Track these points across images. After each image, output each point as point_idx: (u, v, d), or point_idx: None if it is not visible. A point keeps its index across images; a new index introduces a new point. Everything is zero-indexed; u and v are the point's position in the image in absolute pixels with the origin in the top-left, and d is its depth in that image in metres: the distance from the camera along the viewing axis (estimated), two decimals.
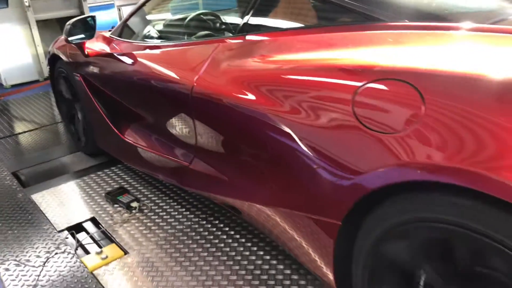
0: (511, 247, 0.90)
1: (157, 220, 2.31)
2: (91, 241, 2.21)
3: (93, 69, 2.61)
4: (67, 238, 2.24)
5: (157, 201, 2.50)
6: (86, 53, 2.60)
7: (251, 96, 1.49)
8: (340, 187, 1.22)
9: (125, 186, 2.68)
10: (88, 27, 2.55)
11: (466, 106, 0.96)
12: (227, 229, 2.19)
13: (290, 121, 1.35)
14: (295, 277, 1.83)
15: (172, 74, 1.92)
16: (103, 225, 2.31)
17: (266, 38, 1.64)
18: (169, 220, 2.31)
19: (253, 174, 1.60)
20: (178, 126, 1.97)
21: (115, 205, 2.48)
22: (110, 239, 2.21)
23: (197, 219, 2.29)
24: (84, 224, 2.36)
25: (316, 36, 1.48)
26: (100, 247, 2.14)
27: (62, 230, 2.30)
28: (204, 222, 2.26)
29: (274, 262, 1.93)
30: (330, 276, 1.40)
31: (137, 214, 2.38)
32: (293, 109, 1.34)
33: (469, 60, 1.06)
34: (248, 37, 1.72)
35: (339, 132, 1.21)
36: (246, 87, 1.52)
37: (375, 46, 1.27)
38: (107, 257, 2.04)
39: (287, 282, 1.81)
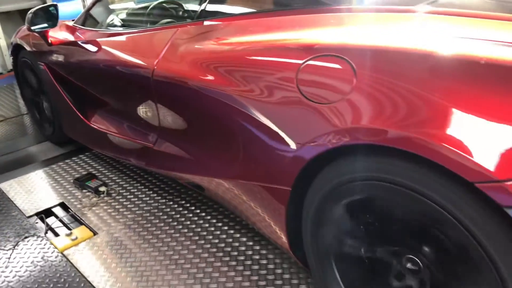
0: (439, 202, 1.02)
1: (125, 203, 2.40)
2: (61, 224, 2.28)
3: (57, 58, 2.65)
4: (36, 222, 2.30)
5: (124, 185, 2.58)
6: (49, 41, 2.64)
7: (207, 77, 1.59)
8: (288, 156, 1.34)
9: (93, 172, 2.74)
10: (50, 15, 2.58)
11: (392, 78, 1.09)
12: (193, 208, 2.30)
13: (243, 98, 1.46)
14: (257, 247, 1.96)
15: (134, 59, 2.00)
16: (72, 209, 2.37)
17: (221, 22, 1.74)
18: (136, 202, 2.39)
19: (211, 150, 1.71)
20: (141, 109, 2.05)
21: (84, 190, 2.55)
22: (79, 221, 2.28)
23: (163, 200, 2.38)
24: (54, 209, 2.41)
25: (267, 20, 1.59)
26: (69, 229, 2.21)
27: (31, 216, 2.35)
28: (171, 203, 2.36)
29: (238, 235, 2.05)
30: (284, 239, 1.53)
31: (106, 197, 2.46)
32: (246, 87, 1.45)
33: (397, 39, 1.19)
34: (206, 23, 1.82)
35: (286, 106, 1.33)
36: (202, 68, 1.62)
37: (318, 27, 1.39)
38: (76, 238, 2.11)
39: (249, 252, 1.93)
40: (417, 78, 1.06)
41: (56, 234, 2.19)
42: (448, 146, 0.95)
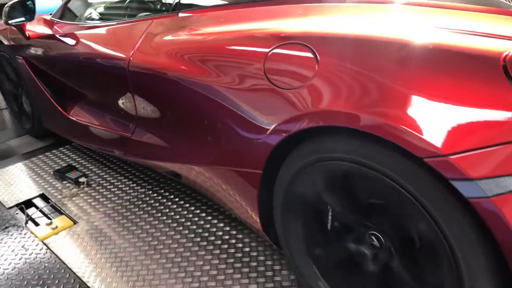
0: (394, 178, 1.10)
1: (105, 193, 2.44)
2: (41, 215, 2.31)
3: (36, 51, 2.67)
4: (17, 213, 2.33)
5: (104, 176, 2.62)
6: (27, 35, 2.65)
7: (180, 66, 1.65)
8: (258, 140, 1.41)
9: (74, 164, 2.78)
10: (27, 9, 2.61)
11: (350, 64, 1.17)
12: (172, 197, 2.35)
13: (215, 86, 1.52)
14: (234, 232, 2.03)
15: (110, 51, 2.04)
16: (52, 200, 2.41)
17: (195, 14, 1.80)
18: (116, 192, 2.44)
19: (186, 137, 1.77)
20: (119, 100, 2.10)
21: (64, 182, 2.58)
22: (59, 212, 2.32)
23: (143, 190, 2.44)
24: (34, 201, 2.44)
25: (238, 11, 1.65)
26: (49, 219, 2.25)
27: (11, 207, 2.38)
28: (150, 192, 2.41)
29: (215, 221, 2.11)
30: (258, 223, 1.60)
31: (86, 188, 2.50)
32: (217, 76, 1.52)
33: (358, 27, 1.26)
34: (181, 14, 1.87)
35: (255, 93, 1.40)
36: (175, 58, 1.68)
37: (286, 17, 1.46)
38: (56, 227, 2.15)
39: (226, 237, 2.00)
40: (372, 64, 1.13)
41: (37, 224, 2.23)
42: (399, 125, 1.03)
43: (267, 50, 1.35)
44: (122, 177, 2.58)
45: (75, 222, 2.20)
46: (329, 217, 1.38)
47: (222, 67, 1.50)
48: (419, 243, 1.15)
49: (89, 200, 2.38)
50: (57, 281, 1.79)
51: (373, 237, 1.27)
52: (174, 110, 1.78)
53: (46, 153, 2.97)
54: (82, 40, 2.32)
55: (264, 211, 1.56)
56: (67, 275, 1.82)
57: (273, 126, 1.34)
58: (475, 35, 1.07)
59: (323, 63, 1.21)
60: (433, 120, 1.00)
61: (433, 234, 1.06)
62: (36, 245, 2.02)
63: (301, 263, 1.50)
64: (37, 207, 2.37)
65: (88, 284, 1.78)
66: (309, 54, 1.24)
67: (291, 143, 1.34)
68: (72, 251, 1.98)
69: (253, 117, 1.41)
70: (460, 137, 0.97)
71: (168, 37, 1.78)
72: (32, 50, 2.70)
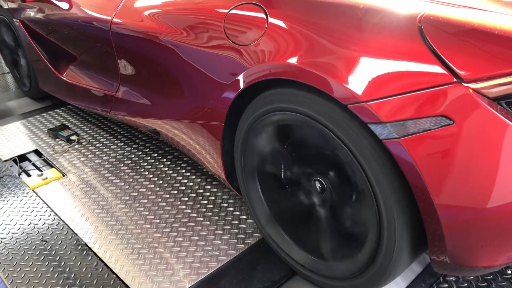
0: (327, 125, 1.23)
1: (93, 150, 2.61)
2: (34, 167, 2.49)
3: (31, 14, 2.80)
4: (11, 166, 2.50)
5: (94, 135, 2.78)
6: None
7: (155, 26, 1.78)
8: (219, 94, 1.54)
9: (67, 123, 2.94)
10: None
11: (295, 23, 1.29)
12: (154, 154, 2.51)
13: (185, 45, 1.66)
14: (208, 186, 2.19)
15: (95, 13, 2.17)
16: (44, 155, 2.58)
17: None
18: (104, 149, 2.61)
19: (162, 94, 1.91)
20: (103, 59, 2.24)
21: (57, 139, 2.75)
22: (50, 165, 2.49)
23: (129, 148, 2.60)
24: (28, 155, 2.62)
25: None
26: (41, 171, 2.42)
27: (7, 160, 2.55)
28: (136, 150, 2.57)
29: (192, 177, 2.27)
30: (223, 173, 1.75)
31: (76, 145, 2.66)
32: (187, 34, 1.65)
33: None
34: None
35: (217, 50, 1.52)
36: (153, 19, 1.81)
37: None
38: (47, 178, 2.33)
39: (201, 190, 2.16)
40: (312, 23, 1.26)
41: (29, 175, 2.40)
42: (329, 77, 1.16)
43: (226, 10, 1.47)
44: (111, 137, 2.75)
45: (64, 175, 2.37)
46: (281, 167, 1.52)
47: (190, 27, 1.63)
48: (351, 183, 1.29)
49: (78, 156, 2.55)
50: (43, 223, 1.97)
51: (317, 183, 1.42)
52: (150, 69, 1.92)
53: (42, 114, 3.14)
54: (71, 2, 2.44)
55: (227, 162, 1.71)
56: (55, 220, 2.00)
57: (230, 81, 1.47)
58: None
59: (271, 22, 1.33)
60: (358, 71, 1.13)
61: (358, 174, 1.20)
62: (27, 193, 2.19)
63: (258, 209, 1.66)
64: (30, 161, 2.55)
65: (71, 227, 1.95)
66: (261, 14, 1.36)
67: (248, 97, 1.47)
68: (60, 200, 2.16)
69: (215, 73, 1.55)
70: (378, 85, 1.09)
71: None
72: (28, 13, 2.83)
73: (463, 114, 1.01)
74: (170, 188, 2.20)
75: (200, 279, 1.64)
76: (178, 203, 2.08)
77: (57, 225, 1.96)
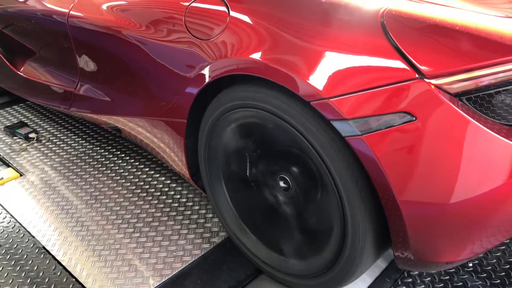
0: (289, 121, 1.21)
1: (53, 148, 2.50)
2: None
3: None
4: None
5: (55, 132, 2.68)
6: None
7: (114, 20, 1.71)
8: (181, 90, 1.50)
9: (25, 121, 2.82)
10: None
11: (258, 18, 1.26)
12: (117, 152, 2.44)
13: (145, 40, 1.60)
14: (173, 184, 2.14)
15: (52, 6, 2.08)
16: (1, 153, 2.46)
17: None
18: (65, 148, 2.51)
19: (122, 90, 1.85)
20: (62, 54, 2.15)
21: (14, 137, 2.63)
22: (7, 165, 2.38)
23: (91, 146, 2.51)
24: None
25: None
26: None
27: None
28: (98, 148, 2.49)
29: (157, 175, 2.22)
30: (187, 171, 1.70)
31: (35, 144, 2.55)
32: (147, 28, 1.59)
33: None
34: None
35: (178, 44, 1.48)
36: (109, 12, 1.73)
37: None
38: (2, 178, 2.22)
39: (166, 189, 2.11)
40: (274, 17, 1.23)
41: None
42: (292, 73, 1.13)
43: (187, 4, 1.43)
44: (72, 134, 2.65)
45: (21, 174, 2.27)
46: (246, 164, 1.49)
47: (151, 20, 1.57)
48: (315, 181, 1.28)
49: (37, 155, 2.45)
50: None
51: (282, 181, 1.39)
52: (110, 64, 1.85)
53: None
54: None
55: (191, 160, 1.67)
56: (10, 222, 1.90)
57: (193, 76, 1.43)
58: None
59: (233, 16, 1.29)
60: (320, 68, 1.10)
61: (322, 171, 1.19)
62: None
63: (223, 208, 1.62)
64: None
65: (28, 229, 1.87)
66: (223, 8, 1.32)
67: (211, 94, 1.43)
68: (17, 201, 2.06)
69: (176, 68, 1.50)
70: (340, 82, 1.08)
71: None
72: None
73: (425, 110, 1.00)
74: (134, 187, 2.13)
75: (163, 280, 1.59)
76: (142, 202, 2.02)
77: (12, 227, 1.87)
